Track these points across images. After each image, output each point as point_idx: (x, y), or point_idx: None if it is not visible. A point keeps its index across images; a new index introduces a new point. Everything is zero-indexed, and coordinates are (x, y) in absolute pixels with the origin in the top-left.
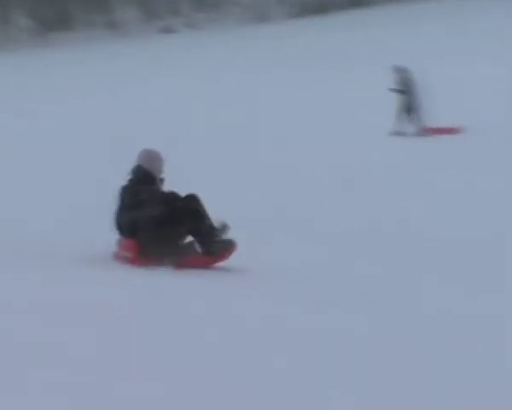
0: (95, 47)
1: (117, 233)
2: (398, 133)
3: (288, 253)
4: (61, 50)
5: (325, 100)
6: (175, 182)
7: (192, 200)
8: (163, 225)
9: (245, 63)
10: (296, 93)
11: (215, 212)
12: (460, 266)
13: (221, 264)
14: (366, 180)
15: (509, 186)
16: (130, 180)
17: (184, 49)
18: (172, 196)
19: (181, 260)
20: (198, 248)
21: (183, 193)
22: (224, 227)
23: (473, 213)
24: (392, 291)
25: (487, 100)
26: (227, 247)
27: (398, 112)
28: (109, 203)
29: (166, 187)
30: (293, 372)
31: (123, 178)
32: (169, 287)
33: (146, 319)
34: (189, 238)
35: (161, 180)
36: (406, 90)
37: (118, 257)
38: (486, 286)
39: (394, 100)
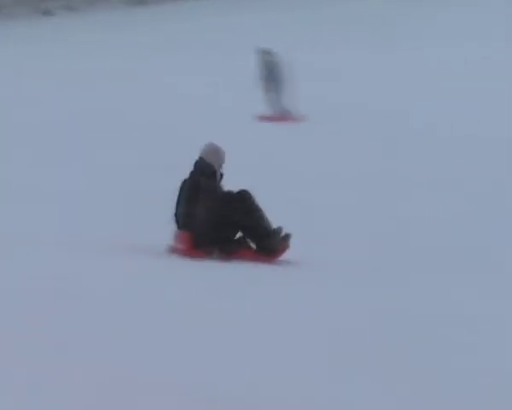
0: None
1: (175, 226)
2: (276, 118)
3: None
4: None
5: (202, 87)
6: None
7: (245, 195)
8: (216, 219)
9: (122, 46)
10: (172, 77)
11: None
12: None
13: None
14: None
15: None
16: (191, 173)
17: (63, 32)
18: (228, 193)
19: (233, 254)
20: (250, 243)
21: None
22: (280, 229)
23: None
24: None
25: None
26: (280, 246)
27: (267, 96)
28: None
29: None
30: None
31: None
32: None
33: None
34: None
35: (221, 175)
36: (270, 73)
37: (173, 249)
38: None
39: (260, 85)
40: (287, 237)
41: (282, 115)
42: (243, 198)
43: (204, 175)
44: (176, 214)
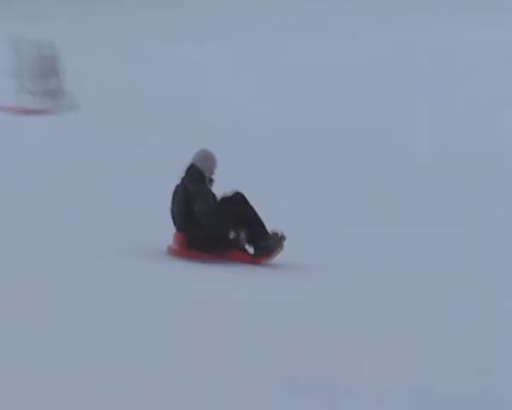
0: None
1: (173, 227)
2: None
3: None
4: None
5: None
6: None
7: (241, 197)
8: (210, 221)
9: None
10: None
11: None
12: None
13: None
14: None
15: None
16: (182, 179)
17: None
18: (222, 195)
19: (226, 254)
20: (245, 244)
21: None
22: (275, 234)
23: None
24: None
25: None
26: (277, 245)
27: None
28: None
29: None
30: None
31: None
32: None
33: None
34: (234, 234)
35: (211, 181)
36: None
37: (171, 250)
38: None
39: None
40: (283, 237)
41: (38, 108)
42: (239, 200)
43: (192, 180)
44: (172, 217)
